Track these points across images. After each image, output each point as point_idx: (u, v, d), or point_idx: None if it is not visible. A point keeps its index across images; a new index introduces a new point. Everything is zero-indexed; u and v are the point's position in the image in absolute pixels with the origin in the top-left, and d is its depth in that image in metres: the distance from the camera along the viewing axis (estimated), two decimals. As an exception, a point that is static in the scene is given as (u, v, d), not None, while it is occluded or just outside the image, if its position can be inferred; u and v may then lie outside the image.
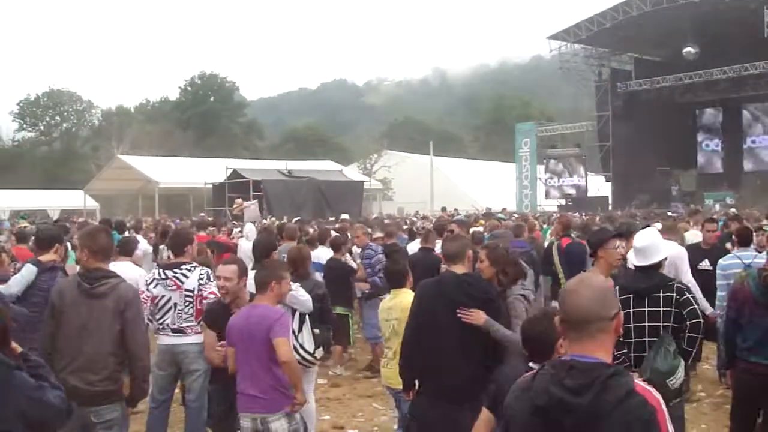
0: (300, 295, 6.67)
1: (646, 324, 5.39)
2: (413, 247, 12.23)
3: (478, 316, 5.49)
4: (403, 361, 5.89)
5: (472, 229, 13.69)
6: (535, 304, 6.62)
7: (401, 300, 6.68)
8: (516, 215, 29.10)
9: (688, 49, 45.74)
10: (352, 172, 58.89)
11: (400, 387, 6.07)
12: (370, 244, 11.99)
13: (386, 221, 22.76)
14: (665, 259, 5.89)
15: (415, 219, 28.70)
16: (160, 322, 7.23)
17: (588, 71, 53.42)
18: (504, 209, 37.72)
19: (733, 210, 26.22)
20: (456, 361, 5.50)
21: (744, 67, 44.77)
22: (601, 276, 3.17)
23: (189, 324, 7.16)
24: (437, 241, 10.79)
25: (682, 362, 5.20)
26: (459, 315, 5.48)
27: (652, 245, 5.68)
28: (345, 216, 26.85)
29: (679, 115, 51.98)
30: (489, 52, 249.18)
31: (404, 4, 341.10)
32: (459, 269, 5.78)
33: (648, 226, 8.43)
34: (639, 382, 2.78)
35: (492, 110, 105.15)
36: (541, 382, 2.81)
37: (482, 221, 18.32)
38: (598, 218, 20.83)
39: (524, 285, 6.23)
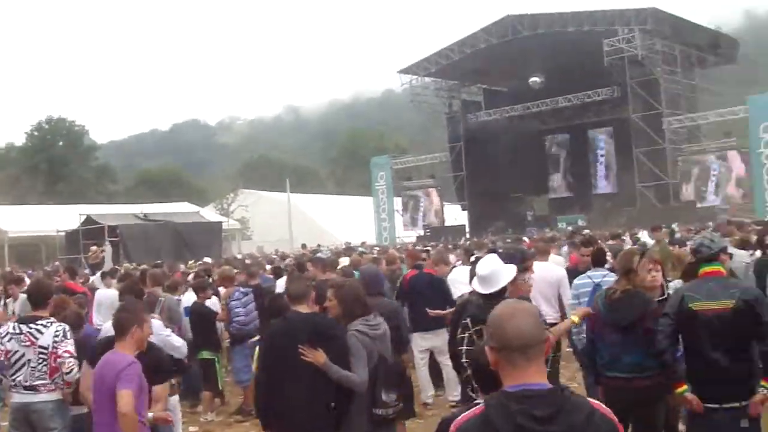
0: (174, 341, 6.50)
1: None
2: (282, 284, 12.20)
3: (317, 356, 5.60)
4: (257, 403, 5.93)
5: (340, 265, 13.69)
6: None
7: None
8: (377, 248, 29.32)
9: (534, 79, 47.39)
10: (209, 213, 58.06)
11: None
12: (238, 287, 11.78)
13: (248, 261, 22.48)
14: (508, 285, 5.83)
15: (275, 257, 28.53)
16: (12, 378, 6.92)
17: (439, 103, 54.68)
18: (363, 243, 37.90)
19: (587, 231, 27.13)
20: (304, 402, 5.62)
21: (587, 95, 46.79)
22: (527, 303, 3.21)
23: (42, 382, 6.85)
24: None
25: None
26: (300, 354, 5.59)
27: (494, 272, 5.71)
28: (207, 259, 26.40)
29: (529, 143, 53.73)
30: (341, 87, 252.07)
31: (252, 43, 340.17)
32: (304, 308, 5.92)
33: (494, 251, 8.56)
34: (593, 400, 2.82)
35: (347, 144, 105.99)
36: (501, 416, 2.69)
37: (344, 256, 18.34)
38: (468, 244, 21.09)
39: (367, 320, 6.18)
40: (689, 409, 5.82)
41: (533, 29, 45.84)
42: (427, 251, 16.81)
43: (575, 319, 6.80)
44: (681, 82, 45.29)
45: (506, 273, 5.76)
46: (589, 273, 8.48)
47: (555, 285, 9.34)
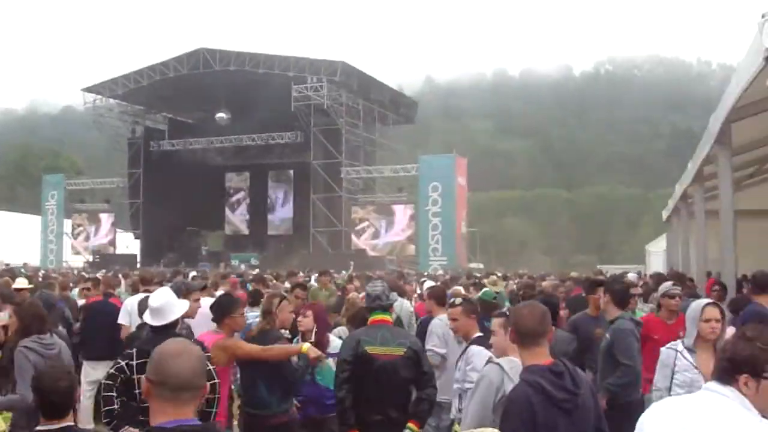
0: None
1: None
2: None
3: None
4: None
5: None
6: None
7: None
8: (43, 271, 27.76)
9: (221, 115, 47.51)
10: None
11: None
12: None
13: None
14: (181, 318, 5.89)
15: None
16: None
17: (122, 127, 53.09)
18: (25, 264, 35.77)
19: (257, 270, 27.29)
20: None
21: (271, 136, 47.59)
22: (197, 347, 3.10)
23: None
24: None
25: None
26: None
27: (167, 304, 5.66)
28: None
29: (209, 177, 53.60)
30: (16, 96, 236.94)
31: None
32: None
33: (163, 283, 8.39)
34: None
35: (18, 159, 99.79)
36: None
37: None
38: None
39: (41, 338, 6.03)
40: None
41: (225, 65, 45.89)
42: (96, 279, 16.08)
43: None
44: (362, 135, 47.26)
45: (179, 306, 5.75)
46: (247, 313, 8.58)
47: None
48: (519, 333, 3.95)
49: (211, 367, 5.53)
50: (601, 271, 21.11)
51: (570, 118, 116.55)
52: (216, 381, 5.52)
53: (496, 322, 5.80)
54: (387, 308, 6.23)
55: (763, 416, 2.86)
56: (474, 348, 5.99)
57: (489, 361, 4.58)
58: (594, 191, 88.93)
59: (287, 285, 14.05)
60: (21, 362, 5.80)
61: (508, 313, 4.49)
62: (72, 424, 4.26)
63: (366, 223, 46.41)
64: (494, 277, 15.20)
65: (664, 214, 26.71)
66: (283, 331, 7.04)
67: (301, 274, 22.40)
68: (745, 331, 2.99)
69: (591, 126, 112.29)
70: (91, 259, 50.40)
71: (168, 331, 5.58)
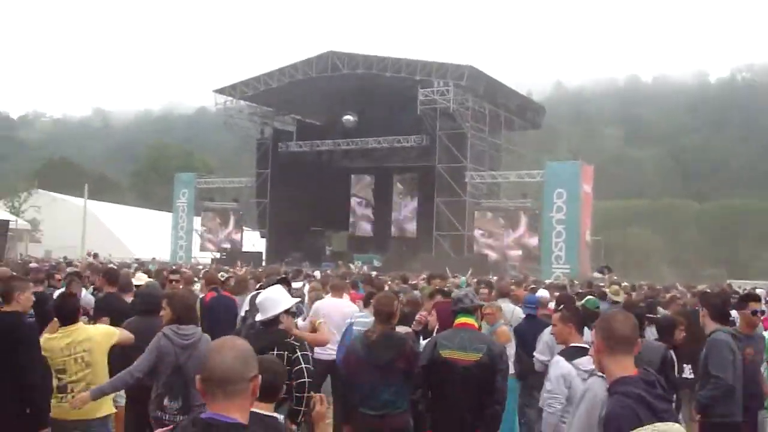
0: None
1: None
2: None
3: None
4: None
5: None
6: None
7: (88, 332, 6.68)
8: (174, 265, 28.64)
9: (348, 117, 47.97)
10: (-3, 210, 55.12)
11: (91, 416, 6.43)
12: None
13: (33, 265, 21.32)
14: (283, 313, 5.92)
15: (61, 262, 27.24)
16: None
17: (252, 128, 54.28)
18: (153, 259, 37.00)
19: (375, 273, 27.48)
20: None
21: (397, 139, 47.70)
22: (243, 342, 3.15)
23: None
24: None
25: None
26: None
27: (269, 299, 5.77)
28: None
29: (335, 179, 54.24)
30: (154, 98, 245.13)
31: (67, 36, 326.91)
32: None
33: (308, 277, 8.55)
34: None
35: (153, 158, 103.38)
36: None
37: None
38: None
39: (180, 328, 6.40)
40: None
41: (353, 68, 46.37)
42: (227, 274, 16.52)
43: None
44: (487, 140, 46.95)
45: (283, 302, 5.81)
46: (355, 315, 9.02)
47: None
48: (611, 339, 3.81)
49: (304, 365, 5.63)
50: (730, 285, 20.37)
51: (703, 126, 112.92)
52: (306, 380, 5.58)
53: (555, 317, 5.86)
54: (471, 311, 6.23)
55: None
56: (555, 358, 5.95)
57: (593, 373, 4.43)
58: (725, 203, 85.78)
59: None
60: (152, 343, 6.26)
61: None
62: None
63: (489, 229, 46.08)
64: (616, 287, 14.85)
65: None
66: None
67: (423, 276, 22.41)
68: None
69: (725, 135, 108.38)
70: (218, 255, 51.68)
71: (270, 326, 5.76)
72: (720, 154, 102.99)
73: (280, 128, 55.34)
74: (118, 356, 6.78)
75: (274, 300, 5.79)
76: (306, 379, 5.58)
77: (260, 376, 2.98)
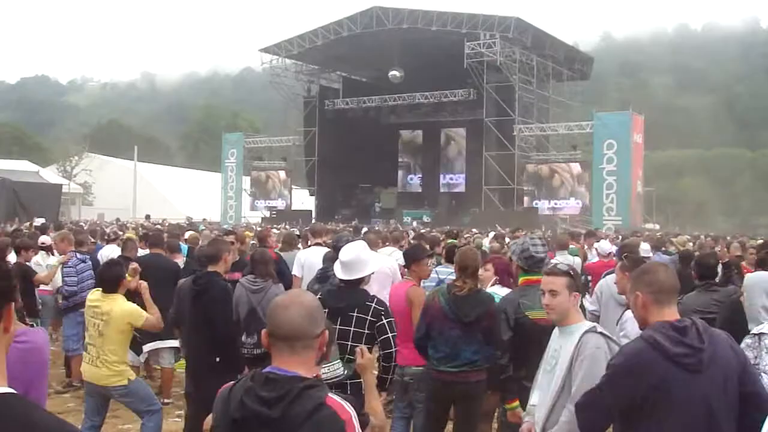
0: None
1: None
2: (106, 252, 12.05)
3: None
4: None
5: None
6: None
7: (112, 305, 6.64)
8: (226, 227, 28.83)
9: (394, 73, 47.68)
10: (51, 174, 56.02)
11: (104, 383, 6.61)
12: (74, 252, 11.03)
13: (86, 228, 21.57)
14: (371, 274, 5.73)
15: (113, 224, 27.61)
16: None
17: (297, 86, 54.20)
18: (204, 219, 37.33)
19: (427, 229, 27.41)
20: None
21: (444, 94, 47.46)
22: (310, 294, 3.11)
23: None
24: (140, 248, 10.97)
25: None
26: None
27: (357, 259, 5.54)
28: (41, 220, 25.10)
29: (382, 135, 54.15)
30: (199, 61, 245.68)
31: (112, 3, 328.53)
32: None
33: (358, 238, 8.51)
34: (332, 396, 2.76)
35: (200, 119, 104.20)
36: (237, 393, 2.77)
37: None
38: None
39: (253, 278, 7.40)
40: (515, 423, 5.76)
41: (398, 23, 46.03)
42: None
43: None
44: (535, 92, 46.41)
45: (372, 262, 5.68)
46: (437, 268, 8.62)
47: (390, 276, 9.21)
48: (660, 292, 3.60)
49: (390, 335, 5.45)
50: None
51: (756, 73, 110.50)
52: (393, 350, 5.45)
53: (617, 267, 5.56)
54: (539, 267, 5.81)
55: None
56: (629, 313, 5.62)
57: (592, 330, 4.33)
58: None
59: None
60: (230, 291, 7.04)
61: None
62: None
63: (539, 181, 45.75)
64: (683, 238, 14.69)
65: None
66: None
67: (474, 230, 22.38)
68: None
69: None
70: (268, 215, 51.99)
71: (355, 286, 5.56)
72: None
73: (326, 86, 55.24)
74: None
75: (364, 261, 5.59)
76: (393, 350, 5.44)
77: (327, 331, 2.95)
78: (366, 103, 51.37)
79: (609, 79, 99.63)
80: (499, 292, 6.82)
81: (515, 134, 44.61)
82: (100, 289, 6.83)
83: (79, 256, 10.59)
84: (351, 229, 21.95)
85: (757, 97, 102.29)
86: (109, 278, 6.82)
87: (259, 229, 22.76)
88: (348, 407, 2.77)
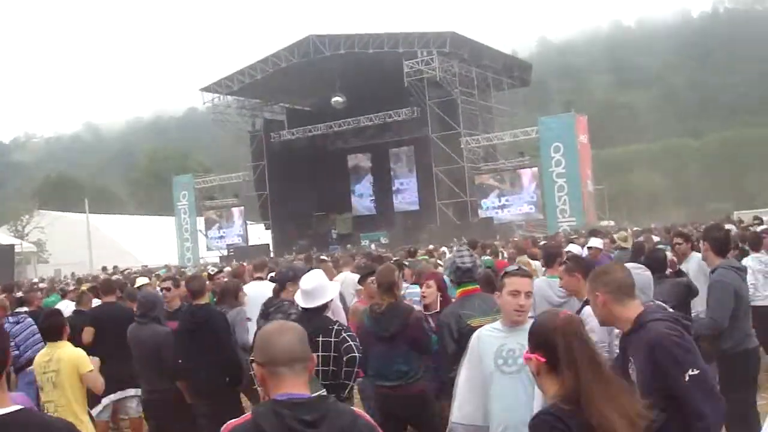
0: None
1: None
2: (63, 306, 11.74)
3: None
4: None
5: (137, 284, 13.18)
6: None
7: (59, 352, 6.62)
8: (184, 270, 28.69)
9: (336, 99, 47.84)
10: (2, 236, 55.19)
11: None
12: (7, 317, 10.85)
13: (42, 285, 21.47)
14: (330, 301, 6.01)
15: (70, 281, 27.41)
16: None
17: (242, 122, 54.18)
18: (166, 265, 37.03)
19: (381, 250, 27.48)
20: None
21: (388, 114, 47.62)
22: (295, 324, 3.23)
23: None
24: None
25: None
26: None
27: (319, 287, 5.78)
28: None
29: (332, 162, 54.19)
30: (142, 105, 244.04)
31: (49, 56, 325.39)
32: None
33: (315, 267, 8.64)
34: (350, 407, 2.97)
35: (148, 164, 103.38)
36: (271, 421, 2.80)
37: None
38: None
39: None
40: None
41: (335, 49, 46.23)
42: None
43: None
44: (478, 103, 46.81)
45: (330, 289, 5.95)
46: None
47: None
48: (618, 291, 3.85)
49: (353, 343, 5.72)
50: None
51: (691, 63, 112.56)
52: (356, 355, 5.69)
53: (560, 270, 5.87)
54: (476, 279, 6.17)
55: None
56: (588, 309, 5.76)
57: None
58: (723, 137, 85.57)
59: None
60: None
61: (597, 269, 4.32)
62: None
63: (491, 191, 46.06)
64: (624, 233, 14.87)
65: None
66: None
67: (431, 246, 22.48)
68: None
69: (713, 69, 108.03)
70: (225, 253, 51.70)
71: (319, 312, 5.79)
72: (711, 88, 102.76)
73: (270, 118, 55.22)
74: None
75: (324, 287, 5.85)
76: (356, 354, 5.67)
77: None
78: (312, 131, 51.38)
79: (550, 84, 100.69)
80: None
81: (463, 147, 44.89)
82: (47, 342, 6.81)
83: (11, 319, 10.39)
84: (302, 258, 21.97)
85: (694, 86, 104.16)
86: (49, 328, 6.85)
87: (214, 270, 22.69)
88: (365, 414, 3.01)
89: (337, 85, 47.74)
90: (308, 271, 6.62)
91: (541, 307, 6.98)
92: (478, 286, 6.11)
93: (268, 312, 7.61)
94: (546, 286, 7.30)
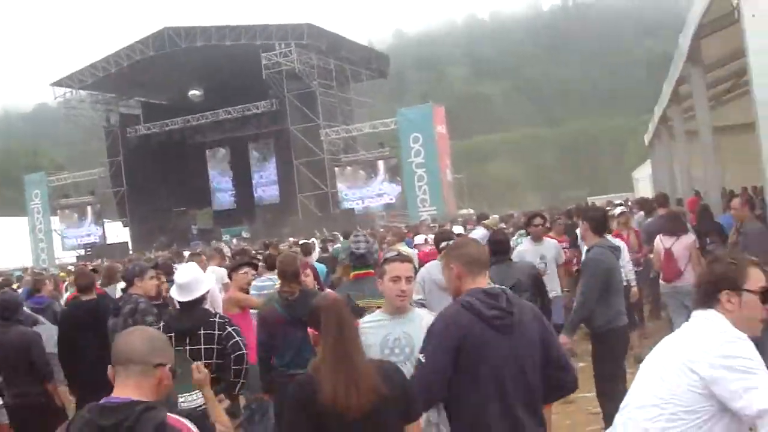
0: None
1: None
2: None
3: None
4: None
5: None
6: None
7: None
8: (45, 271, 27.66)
9: (194, 92, 47.17)
10: None
11: None
12: None
13: None
14: (207, 293, 5.96)
15: None
16: None
17: (96, 117, 52.54)
18: (24, 266, 35.77)
19: (243, 243, 27.25)
20: None
21: (247, 108, 47.25)
22: (153, 328, 3.18)
23: None
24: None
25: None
26: None
27: (194, 280, 5.71)
28: None
29: (190, 157, 53.47)
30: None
31: None
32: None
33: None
34: (172, 415, 2.78)
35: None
36: (75, 428, 2.74)
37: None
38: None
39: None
40: None
41: (191, 42, 45.42)
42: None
43: None
44: (337, 95, 47.00)
45: (206, 282, 5.88)
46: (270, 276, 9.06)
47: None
48: (471, 264, 3.95)
49: (239, 338, 5.65)
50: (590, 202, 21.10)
51: (544, 54, 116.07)
52: (244, 352, 5.63)
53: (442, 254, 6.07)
54: (371, 264, 6.28)
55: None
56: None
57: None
58: (577, 125, 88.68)
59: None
60: None
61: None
62: None
63: (351, 183, 46.30)
64: (495, 218, 15.32)
65: (646, 139, 26.68)
66: None
67: (291, 239, 22.49)
68: (715, 254, 3.20)
69: (566, 60, 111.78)
70: (83, 252, 50.18)
71: (195, 306, 5.70)
72: (564, 79, 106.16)
73: (126, 113, 53.67)
74: None
75: (199, 281, 5.75)
76: (244, 351, 5.60)
77: (169, 367, 2.94)
78: (169, 126, 50.38)
79: (408, 75, 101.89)
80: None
81: (323, 139, 44.97)
82: None
83: None
84: (171, 254, 21.59)
85: (547, 77, 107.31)
86: None
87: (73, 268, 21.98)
88: (189, 423, 2.81)
89: (195, 79, 47.10)
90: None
91: (432, 292, 7.15)
92: (372, 270, 6.16)
93: (118, 308, 7.44)
94: (435, 270, 7.43)
